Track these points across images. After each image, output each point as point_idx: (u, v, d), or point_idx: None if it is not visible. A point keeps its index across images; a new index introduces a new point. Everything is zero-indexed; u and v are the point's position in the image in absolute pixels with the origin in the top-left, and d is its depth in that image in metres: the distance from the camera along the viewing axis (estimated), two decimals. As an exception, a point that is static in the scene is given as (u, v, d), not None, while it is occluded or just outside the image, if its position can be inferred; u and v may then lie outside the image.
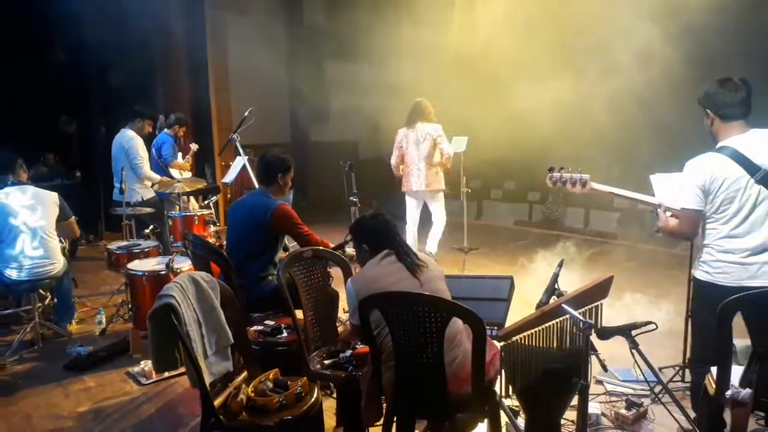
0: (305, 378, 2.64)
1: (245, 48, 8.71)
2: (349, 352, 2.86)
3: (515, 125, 6.33)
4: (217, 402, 2.40)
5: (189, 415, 3.42)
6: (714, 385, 2.44)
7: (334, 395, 3.32)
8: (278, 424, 2.36)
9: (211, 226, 5.69)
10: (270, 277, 3.62)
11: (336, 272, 3.42)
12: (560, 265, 2.87)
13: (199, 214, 5.75)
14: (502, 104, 6.37)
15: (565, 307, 2.29)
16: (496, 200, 9.71)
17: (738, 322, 2.36)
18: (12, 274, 4.27)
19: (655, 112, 5.99)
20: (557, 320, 2.31)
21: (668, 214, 2.81)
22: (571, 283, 2.89)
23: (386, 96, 6.81)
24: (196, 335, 2.44)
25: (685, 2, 5.10)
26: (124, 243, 5.17)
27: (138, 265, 4.58)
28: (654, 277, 5.49)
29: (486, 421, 2.56)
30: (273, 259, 3.67)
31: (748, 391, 2.32)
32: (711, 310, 2.36)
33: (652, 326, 2.55)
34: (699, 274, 2.74)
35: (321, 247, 3.39)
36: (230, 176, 6.15)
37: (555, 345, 2.32)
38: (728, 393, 2.35)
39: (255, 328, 3.34)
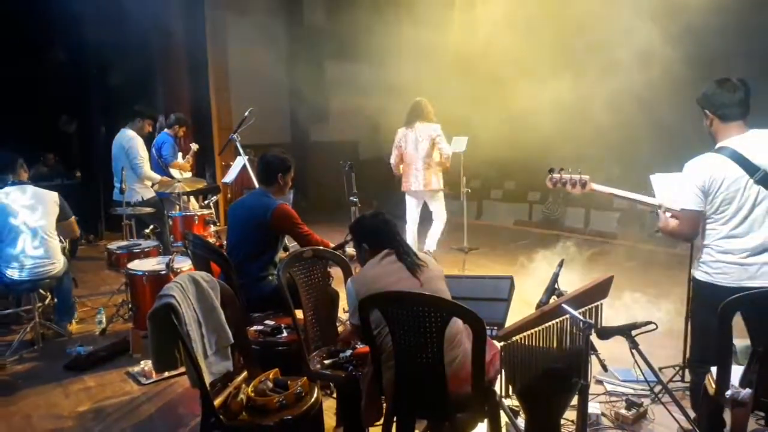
0: (305, 378, 2.64)
1: (245, 48, 8.72)
2: (349, 352, 2.86)
3: (515, 125, 6.33)
4: (217, 402, 2.40)
5: (189, 414, 3.42)
6: (714, 385, 2.44)
7: (334, 395, 3.32)
8: (278, 423, 2.36)
9: (212, 225, 5.69)
10: (270, 277, 3.62)
11: (336, 272, 3.42)
12: (560, 265, 2.87)
13: (199, 213, 5.75)
14: (502, 104, 6.37)
15: (565, 307, 2.29)
16: (496, 200, 9.72)
17: (738, 321, 2.36)
18: (13, 274, 4.27)
19: (655, 112, 5.99)
20: (557, 320, 2.31)
21: (668, 214, 2.81)
22: (571, 283, 2.89)
23: (386, 96, 6.81)
24: (196, 335, 2.44)
25: (685, 2, 5.10)
26: (124, 243, 5.17)
27: (138, 265, 4.58)
28: (654, 277, 5.49)
29: (486, 421, 2.56)
30: (273, 259, 3.67)
31: (748, 391, 2.32)
32: (710, 310, 2.36)
33: (652, 326, 2.55)
34: (698, 274, 2.74)
35: (321, 247, 3.39)
36: (230, 176, 6.15)
37: (555, 345, 2.32)
38: (728, 393, 2.35)
39: (255, 327, 3.35)
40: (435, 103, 5.90)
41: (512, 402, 2.78)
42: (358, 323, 2.41)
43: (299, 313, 3.04)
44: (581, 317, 2.24)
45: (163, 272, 4.35)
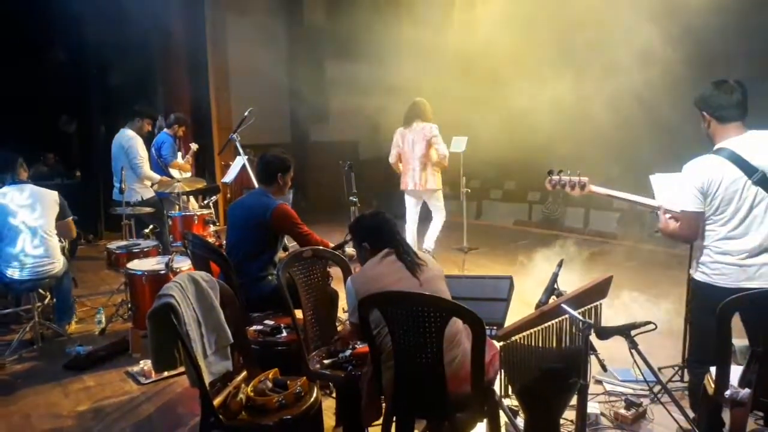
0: (305, 377, 2.64)
1: (245, 48, 8.72)
2: (348, 352, 2.86)
3: (515, 125, 6.33)
4: (216, 401, 2.40)
5: (188, 414, 3.42)
6: (713, 385, 2.44)
7: (334, 395, 3.32)
8: (278, 423, 2.36)
9: (211, 225, 5.69)
10: (270, 277, 3.62)
11: (336, 272, 3.42)
12: (560, 265, 2.87)
13: (198, 213, 5.75)
14: (502, 104, 6.37)
15: (565, 307, 2.29)
16: (496, 200, 9.72)
17: (737, 322, 2.36)
18: (14, 273, 4.27)
19: (655, 112, 5.99)
20: (557, 320, 2.31)
21: (668, 216, 2.81)
22: (571, 282, 2.89)
23: (386, 96, 6.81)
24: (196, 335, 2.44)
25: (685, 2, 5.10)
26: (123, 242, 5.17)
27: (137, 265, 4.58)
28: (653, 277, 5.49)
29: (485, 420, 2.56)
30: (272, 259, 3.67)
31: (747, 391, 2.32)
32: (709, 311, 2.36)
33: (652, 326, 2.55)
34: (697, 275, 2.74)
35: (321, 247, 3.39)
36: (230, 176, 6.14)
37: (554, 345, 2.32)
38: (727, 393, 2.35)
39: (254, 327, 3.35)
40: (435, 103, 5.90)
41: (511, 402, 2.78)
42: (358, 322, 2.41)
43: (299, 313, 3.04)
44: (580, 317, 2.24)
45: (163, 272, 4.35)
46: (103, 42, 7.36)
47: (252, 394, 2.48)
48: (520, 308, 3.26)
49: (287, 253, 3.74)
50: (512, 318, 2.70)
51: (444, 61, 7.35)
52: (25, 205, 4.32)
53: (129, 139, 5.85)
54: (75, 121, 8.96)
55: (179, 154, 6.63)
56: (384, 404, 2.52)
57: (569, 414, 2.87)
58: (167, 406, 3.56)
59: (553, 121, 6.22)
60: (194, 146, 6.86)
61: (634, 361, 2.56)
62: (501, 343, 2.25)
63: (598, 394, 3.39)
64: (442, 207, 6.01)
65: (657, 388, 3.30)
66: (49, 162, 8.56)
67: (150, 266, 4.52)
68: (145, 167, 5.90)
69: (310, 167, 9.51)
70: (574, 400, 2.46)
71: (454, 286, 2.81)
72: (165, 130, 6.57)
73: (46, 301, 4.83)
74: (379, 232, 2.65)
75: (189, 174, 6.65)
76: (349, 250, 3.62)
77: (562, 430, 2.82)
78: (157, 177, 6.01)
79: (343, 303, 3.31)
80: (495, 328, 2.90)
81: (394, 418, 2.48)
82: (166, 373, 3.77)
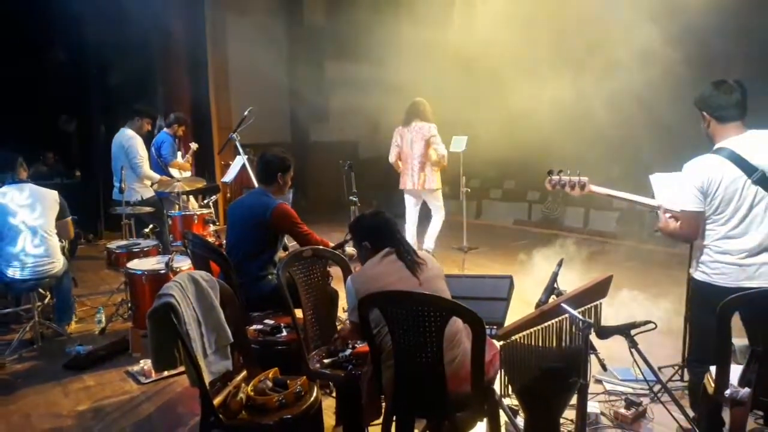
0: (305, 377, 2.64)
1: (245, 48, 8.71)
2: (348, 351, 2.86)
3: (515, 125, 6.33)
4: (216, 401, 2.40)
5: (188, 414, 3.42)
6: (713, 384, 2.44)
7: (334, 394, 3.32)
8: (278, 423, 2.36)
9: (211, 225, 5.69)
10: (269, 276, 3.62)
11: (336, 271, 3.42)
12: (560, 265, 2.87)
13: (198, 213, 5.74)
14: (502, 104, 6.37)
15: (565, 306, 2.29)
16: (496, 200, 9.72)
17: (737, 321, 2.36)
18: (15, 273, 4.27)
19: (655, 112, 5.99)
20: (557, 319, 2.31)
21: (668, 215, 2.82)
22: (571, 282, 2.89)
23: (386, 95, 6.81)
24: (196, 334, 2.44)
25: (685, 2, 5.10)
26: (123, 242, 5.17)
27: (137, 264, 4.57)
28: (653, 276, 5.49)
29: (485, 420, 2.56)
30: (272, 259, 3.67)
31: (747, 390, 2.32)
32: (709, 310, 2.36)
33: (651, 326, 2.55)
34: (697, 274, 2.75)
35: (320, 247, 3.39)
36: (230, 175, 6.14)
37: (554, 344, 2.32)
38: (727, 392, 2.35)
39: (254, 327, 3.35)
40: (435, 103, 5.90)
41: (511, 401, 2.78)
42: (358, 321, 2.41)
43: (299, 313, 3.04)
44: (580, 316, 2.23)
45: (163, 271, 4.35)
46: (103, 42, 7.36)
47: (252, 393, 2.48)
48: (520, 308, 3.26)
49: (287, 252, 3.74)
50: (512, 317, 2.70)
51: (444, 61, 7.35)
52: (25, 205, 4.32)
53: (129, 138, 5.85)
54: (75, 121, 8.97)
55: (179, 153, 6.63)
56: (384, 403, 2.52)
57: (569, 413, 2.87)
58: (167, 405, 3.56)
59: (553, 120, 6.22)
60: (194, 146, 6.86)
61: (634, 360, 2.56)
62: (501, 343, 2.25)
63: (598, 394, 3.40)
64: (441, 206, 6.01)
65: (657, 388, 3.30)
66: (49, 161, 8.55)
67: (150, 266, 4.52)
68: (145, 167, 5.90)
69: (310, 167, 9.51)
70: (574, 400, 2.46)
71: (454, 285, 2.80)
72: (165, 129, 6.57)
73: (46, 300, 4.83)
74: (379, 232, 2.66)
75: (189, 173, 6.65)
76: (349, 249, 3.62)
77: (562, 429, 2.82)
78: (156, 176, 6.01)
79: (343, 302, 3.31)
80: (495, 327, 2.90)
81: (394, 418, 2.48)
82: (166, 373, 3.77)
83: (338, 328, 3.50)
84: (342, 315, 4.03)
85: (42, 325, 4.55)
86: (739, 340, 3.01)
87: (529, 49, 6.24)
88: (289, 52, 9.85)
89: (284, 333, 3.28)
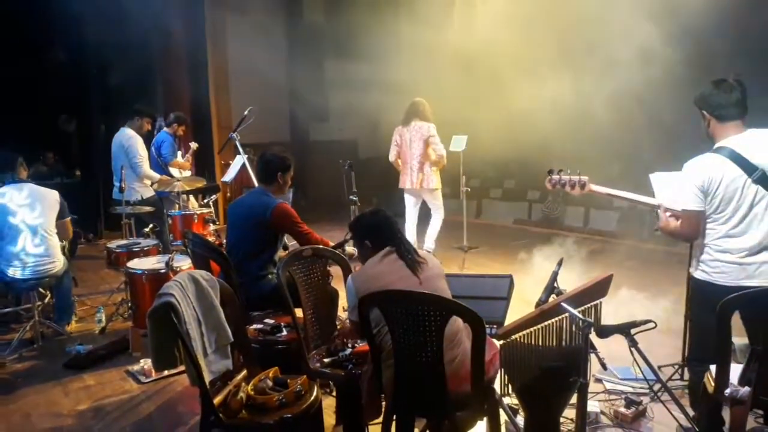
0: (305, 376, 2.64)
1: (245, 48, 8.71)
2: (348, 351, 2.86)
3: (515, 124, 6.33)
4: (216, 400, 2.40)
5: (189, 413, 3.42)
6: (713, 383, 2.44)
7: (334, 393, 3.32)
8: (278, 422, 2.36)
9: (211, 224, 5.68)
10: (270, 276, 3.62)
11: (336, 271, 3.42)
12: (560, 264, 2.88)
13: (198, 212, 5.75)
14: (502, 103, 6.37)
15: (565, 305, 2.29)
16: (496, 199, 9.71)
17: (737, 320, 2.36)
18: (16, 273, 4.28)
19: (655, 112, 5.99)
20: (557, 319, 2.31)
21: (668, 214, 2.82)
22: (571, 281, 2.89)
23: (386, 95, 6.82)
24: (196, 334, 2.44)
25: (685, 2, 5.10)
26: (123, 242, 5.18)
27: (137, 264, 4.57)
28: (653, 275, 5.49)
29: (485, 419, 2.56)
30: (273, 258, 3.67)
31: (747, 389, 2.33)
32: (709, 309, 2.36)
33: (652, 325, 2.55)
34: (697, 273, 2.75)
35: (321, 246, 3.39)
36: (230, 175, 6.14)
37: (554, 343, 2.32)
38: (727, 391, 2.35)
39: (255, 326, 3.35)
40: (435, 102, 5.91)
41: (511, 400, 2.78)
42: (358, 320, 2.41)
43: (299, 312, 3.04)
44: (580, 316, 2.24)
45: (163, 271, 4.35)
46: (103, 42, 7.36)
47: (252, 392, 2.48)
48: (520, 307, 3.26)
49: (287, 252, 3.73)
50: (512, 317, 2.70)
51: (444, 60, 7.36)
52: (25, 204, 4.32)
53: (129, 138, 5.85)
54: (75, 121, 8.97)
55: (179, 153, 6.63)
56: (384, 403, 2.52)
57: (569, 412, 2.87)
58: (167, 404, 3.57)
59: (553, 120, 6.23)
60: (194, 145, 6.86)
61: (634, 359, 2.57)
62: (501, 342, 2.25)
63: (598, 393, 3.40)
64: (440, 206, 6.02)
65: (657, 387, 3.30)
66: (49, 161, 8.56)
67: (150, 265, 4.52)
68: (145, 166, 5.91)
69: (310, 166, 9.51)
70: (574, 399, 2.46)
71: (454, 284, 2.81)
72: (164, 129, 6.57)
73: (47, 300, 4.84)
74: (379, 230, 2.66)
75: (189, 173, 6.65)
76: (349, 248, 3.62)
77: (562, 428, 2.82)
78: (156, 176, 6.01)
79: (343, 302, 3.31)
80: (495, 326, 2.90)
81: (394, 417, 2.48)
82: (166, 372, 3.78)
83: (338, 327, 3.50)
84: (342, 314, 4.03)
85: (42, 325, 4.55)
86: (739, 339, 3.01)
87: (529, 49, 6.24)
88: (289, 52, 9.85)
89: (284, 332, 3.28)
